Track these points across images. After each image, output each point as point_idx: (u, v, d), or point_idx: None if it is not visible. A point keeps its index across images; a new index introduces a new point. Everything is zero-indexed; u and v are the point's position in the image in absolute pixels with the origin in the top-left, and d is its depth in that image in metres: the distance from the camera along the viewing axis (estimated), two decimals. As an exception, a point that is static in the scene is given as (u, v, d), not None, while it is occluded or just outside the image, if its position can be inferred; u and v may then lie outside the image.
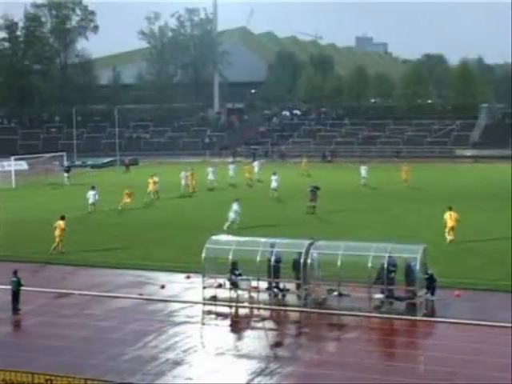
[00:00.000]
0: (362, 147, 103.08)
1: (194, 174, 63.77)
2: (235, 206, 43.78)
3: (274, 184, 57.45)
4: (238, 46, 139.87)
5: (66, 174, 72.09)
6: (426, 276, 27.46)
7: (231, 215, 43.43)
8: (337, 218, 47.31)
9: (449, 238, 38.20)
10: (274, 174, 58.31)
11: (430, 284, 27.56)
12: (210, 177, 65.88)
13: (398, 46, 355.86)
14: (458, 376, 20.83)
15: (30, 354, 22.89)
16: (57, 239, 37.69)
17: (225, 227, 41.61)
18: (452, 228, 38.29)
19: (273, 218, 47.28)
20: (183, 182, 62.72)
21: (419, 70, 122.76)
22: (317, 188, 50.47)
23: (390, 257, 26.91)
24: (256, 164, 75.09)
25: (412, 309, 26.54)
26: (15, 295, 27.46)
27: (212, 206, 53.77)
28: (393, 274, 27.13)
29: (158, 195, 57.72)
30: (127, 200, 52.31)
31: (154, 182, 58.09)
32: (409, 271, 27.08)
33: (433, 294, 27.66)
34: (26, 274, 30.71)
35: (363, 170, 66.84)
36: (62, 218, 38.28)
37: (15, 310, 27.45)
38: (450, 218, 38.44)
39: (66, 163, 79.06)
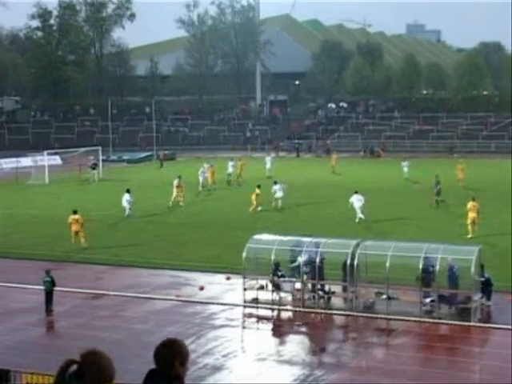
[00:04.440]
0: (412, 141, 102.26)
1: (213, 171, 63.54)
2: (355, 198, 44.69)
3: (278, 194, 51.11)
4: (282, 35, 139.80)
5: (92, 171, 72.17)
6: (482, 279, 27.15)
7: (357, 208, 44.39)
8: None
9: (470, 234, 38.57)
10: (276, 183, 51.98)
11: (486, 288, 27.23)
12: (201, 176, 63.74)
13: (452, 33, 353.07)
14: (515, 386, 20.59)
15: (63, 357, 23.05)
16: (79, 234, 38.23)
17: (357, 220, 43.65)
18: (473, 220, 38.73)
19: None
20: (201, 179, 61.42)
21: (475, 59, 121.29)
22: (438, 183, 51.33)
23: (442, 258, 26.73)
24: (268, 159, 73.94)
25: (466, 314, 26.27)
26: (48, 295, 27.73)
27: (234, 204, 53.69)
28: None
29: (181, 198, 53.56)
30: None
31: (181, 187, 53.94)
32: (451, 274, 26.85)
33: (489, 298, 27.35)
34: (58, 273, 31.00)
35: (405, 166, 66.85)
36: (75, 213, 38.67)
37: (48, 310, 27.75)
38: (472, 208, 39.10)
39: (101, 157, 79.40)
